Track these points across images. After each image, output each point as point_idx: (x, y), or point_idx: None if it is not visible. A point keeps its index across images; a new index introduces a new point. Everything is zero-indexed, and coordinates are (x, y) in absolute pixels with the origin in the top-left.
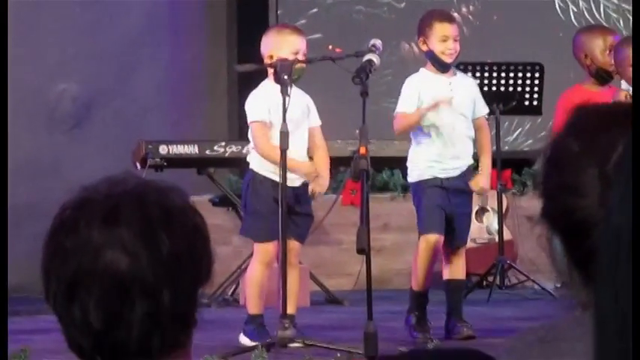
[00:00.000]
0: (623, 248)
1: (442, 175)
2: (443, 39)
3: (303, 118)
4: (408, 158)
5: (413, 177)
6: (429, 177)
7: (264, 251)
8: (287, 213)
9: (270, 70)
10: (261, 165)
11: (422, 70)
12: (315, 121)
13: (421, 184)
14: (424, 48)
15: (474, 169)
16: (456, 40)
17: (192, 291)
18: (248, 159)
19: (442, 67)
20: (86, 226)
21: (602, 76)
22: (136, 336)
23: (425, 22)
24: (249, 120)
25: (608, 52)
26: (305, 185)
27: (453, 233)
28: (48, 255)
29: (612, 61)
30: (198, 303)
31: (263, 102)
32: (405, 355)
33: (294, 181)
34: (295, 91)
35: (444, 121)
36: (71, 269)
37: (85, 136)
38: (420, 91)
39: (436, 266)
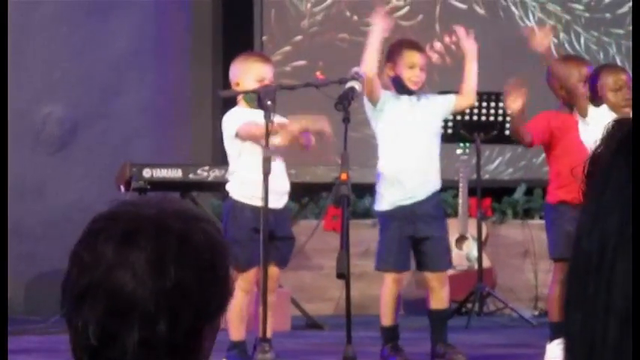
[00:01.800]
0: (592, 273)
1: (405, 202)
2: (410, 66)
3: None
4: (377, 179)
5: (379, 206)
6: (391, 207)
7: (245, 278)
8: (268, 238)
9: (239, 97)
10: (240, 192)
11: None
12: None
13: (385, 217)
14: (391, 74)
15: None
16: (422, 70)
17: (193, 325)
18: (227, 187)
19: (406, 94)
20: (104, 242)
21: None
22: (130, 359)
23: (394, 48)
24: (232, 131)
25: (583, 83)
26: (287, 207)
27: (427, 258)
28: (69, 264)
29: (587, 91)
30: (205, 338)
31: (241, 116)
32: None
33: (275, 202)
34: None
35: (408, 134)
36: (82, 282)
37: (70, 158)
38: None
39: (420, 292)
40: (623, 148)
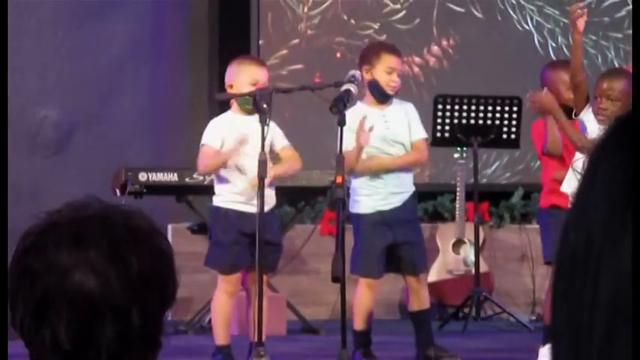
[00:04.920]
0: (578, 268)
1: (384, 208)
2: (389, 71)
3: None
4: (352, 186)
5: (354, 207)
6: (371, 211)
7: (228, 281)
8: (252, 242)
9: (233, 100)
10: (225, 197)
11: (358, 103)
12: (282, 142)
13: (360, 218)
14: (368, 77)
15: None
16: (399, 75)
17: (159, 313)
18: (215, 190)
19: (382, 98)
20: (53, 249)
21: (566, 111)
22: (106, 356)
23: (372, 51)
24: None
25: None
26: (272, 212)
27: (405, 262)
28: (14, 280)
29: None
30: (164, 325)
31: (219, 130)
32: None
33: (254, 207)
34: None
35: (384, 151)
36: (39, 291)
37: (66, 161)
38: (355, 126)
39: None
40: (611, 142)
